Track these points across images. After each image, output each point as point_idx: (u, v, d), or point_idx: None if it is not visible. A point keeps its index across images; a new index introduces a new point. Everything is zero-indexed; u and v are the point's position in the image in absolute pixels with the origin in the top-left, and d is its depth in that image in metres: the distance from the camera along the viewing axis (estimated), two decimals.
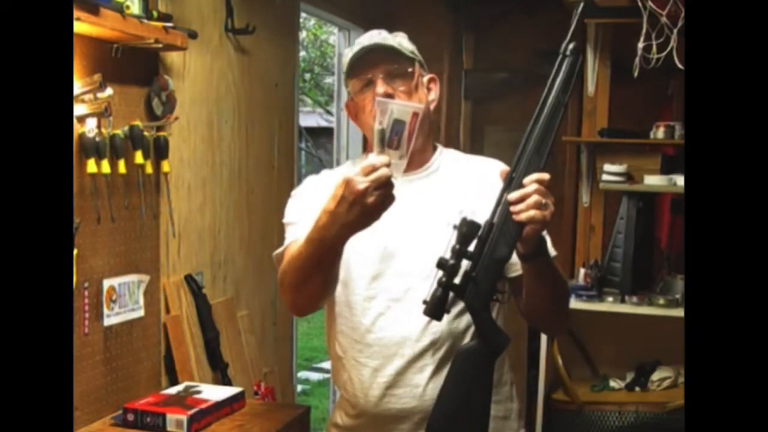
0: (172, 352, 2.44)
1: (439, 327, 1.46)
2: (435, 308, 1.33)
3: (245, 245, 2.94)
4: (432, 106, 1.59)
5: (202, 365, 2.57)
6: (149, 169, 2.25)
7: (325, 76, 9.26)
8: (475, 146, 4.09)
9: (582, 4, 1.39)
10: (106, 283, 2.16)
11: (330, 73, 8.88)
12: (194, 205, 2.62)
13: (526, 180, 1.30)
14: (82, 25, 1.88)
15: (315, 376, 6.08)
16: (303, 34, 8.14)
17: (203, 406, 2.08)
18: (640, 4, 2.84)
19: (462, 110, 4.17)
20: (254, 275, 3.00)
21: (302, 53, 8.07)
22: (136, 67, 2.25)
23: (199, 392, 2.20)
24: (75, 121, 2.01)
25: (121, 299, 2.22)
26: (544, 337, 3.17)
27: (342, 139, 4.00)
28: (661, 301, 3.17)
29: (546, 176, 1.30)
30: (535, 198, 1.28)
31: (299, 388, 4.79)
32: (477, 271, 1.33)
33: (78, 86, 1.98)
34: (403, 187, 1.36)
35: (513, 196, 1.29)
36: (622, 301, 3.24)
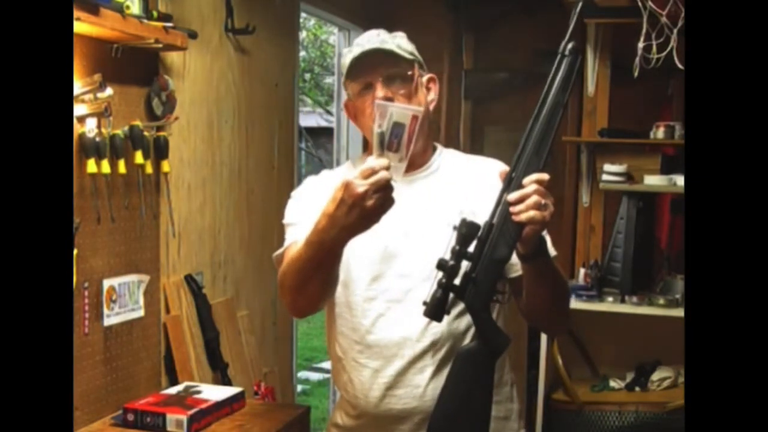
0: (172, 352, 2.44)
1: (439, 328, 1.46)
2: (435, 309, 1.33)
3: (245, 245, 2.94)
4: (431, 106, 1.59)
5: (202, 365, 2.57)
6: (149, 169, 2.25)
7: (325, 76, 9.27)
8: (475, 146, 4.09)
9: (581, 4, 1.39)
10: (106, 283, 2.16)
11: (330, 73, 8.88)
12: (194, 205, 2.63)
13: (526, 180, 1.30)
14: (82, 25, 1.88)
15: (315, 376, 6.08)
16: (303, 34, 8.14)
17: (203, 406, 2.08)
18: (640, 4, 2.84)
19: (462, 110, 4.17)
20: (254, 275, 3.00)
21: (302, 53, 8.07)
22: (136, 67, 2.25)
23: (199, 392, 2.20)
24: (75, 121, 2.01)
25: (121, 299, 2.22)
26: (544, 337, 3.17)
27: (342, 139, 4.00)
28: (661, 301, 3.17)
29: (545, 176, 1.30)
30: (534, 198, 1.28)
31: (299, 388, 4.79)
32: (477, 272, 1.33)
33: (78, 86, 1.98)
34: (403, 187, 1.36)
35: (512, 196, 1.29)
36: (622, 301, 3.24)
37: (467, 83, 4.16)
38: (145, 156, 2.21)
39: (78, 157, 2.02)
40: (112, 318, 2.18)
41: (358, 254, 1.48)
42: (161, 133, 2.31)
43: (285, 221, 1.59)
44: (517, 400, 1.62)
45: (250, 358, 2.88)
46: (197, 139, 2.63)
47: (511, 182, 1.32)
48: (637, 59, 2.84)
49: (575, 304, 3.14)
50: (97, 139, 2.04)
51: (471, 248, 1.33)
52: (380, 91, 1.47)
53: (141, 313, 2.31)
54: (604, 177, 3.36)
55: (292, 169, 3.32)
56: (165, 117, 2.33)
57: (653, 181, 3.29)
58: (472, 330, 1.41)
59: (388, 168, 1.25)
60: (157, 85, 2.31)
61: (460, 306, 1.41)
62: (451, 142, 3.86)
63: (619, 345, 3.42)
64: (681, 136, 3.26)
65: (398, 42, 1.53)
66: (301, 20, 3.94)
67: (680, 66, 2.56)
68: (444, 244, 1.34)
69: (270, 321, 3.16)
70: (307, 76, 8.93)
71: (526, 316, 1.52)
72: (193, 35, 2.42)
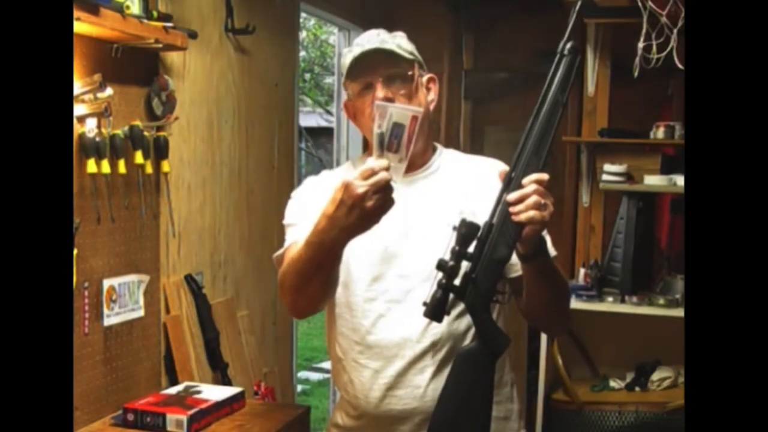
0: (172, 352, 2.44)
1: (439, 328, 1.46)
2: (435, 310, 1.33)
3: (245, 245, 2.94)
4: (431, 106, 1.59)
5: (202, 365, 2.57)
6: (149, 169, 2.25)
7: (325, 76, 9.26)
8: (475, 146, 4.09)
9: (579, 3, 1.39)
10: (106, 283, 2.16)
11: (330, 73, 8.88)
12: (194, 205, 2.63)
13: (525, 180, 1.29)
14: (82, 25, 1.88)
15: (315, 376, 6.08)
16: (303, 34, 8.14)
17: (203, 406, 2.08)
18: (640, 4, 2.84)
19: (462, 110, 4.17)
20: (254, 275, 3.00)
21: (302, 53, 8.07)
22: (136, 67, 2.25)
23: (199, 392, 2.20)
24: (75, 121, 2.01)
25: (121, 299, 2.22)
26: (544, 337, 3.17)
27: (342, 139, 4.00)
28: (661, 301, 3.17)
29: (545, 176, 1.30)
30: (534, 198, 1.27)
31: (299, 388, 4.79)
32: (477, 272, 1.33)
33: (78, 86, 1.98)
34: (403, 188, 1.36)
35: (512, 196, 1.29)
36: (622, 301, 3.24)
37: (467, 83, 4.16)
38: (145, 156, 2.21)
39: (78, 157, 2.02)
40: (112, 318, 2.18)
41: (358, 255, 1.48)
42: (161, 133, 2.31)
43: (285, 222, 1.59)
44: (517, 401, 1.62)
45: (250, 358, 2.88)
46: (197, 139, 2.63)
47: (510, 182, 1.32)
48: (637, 59, 2.84)
49: (575, 304, 3.14)
50: (97, 139, 2.04)
51: (471, 248, 1.33)
52: (380, 92, 1.46)
53: (141, 313, 2.31)
54: (604, 177, 3.36)
55: (292, 169, 3.32)
56: (165, 117, 2.33)
57: (653, 181, 3.29)
58: (473, 330, 1.41)
59: (387, 169, 1.25)
60: (157, 85, 2.31)
61: (461, 306, 1.41)
62: (451, 142, 3.86)
63: (619, 345, 3.42)
64: (681, 136, 3.26)
65: (398, 42, 1.53)
66: (301, 20, 3.94)
67: (680, 66, 2.57)
68: (444, 245, 1.34)
69: (270, 321, 3.16)
70: (307, 76, 8.92)
71: (526, 316, 1.52)
72: (193, 35, 2.42)
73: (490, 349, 1.37)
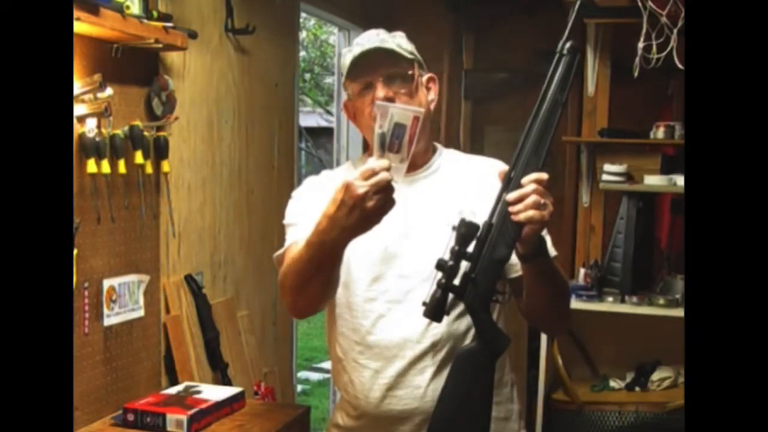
0: (172, 352, 2.44)
1: (439, 329, 1.46)
2: (434, 310, 1.33)
3: (245, 245, 2.94)
4: (431, 106, 1.59)
5: (202, 365, 2.57)
6: (149, 169, 2.25)
7: (325, 76, 9.26)
8: (475, 146, 4.09)
9: (579, 3, 1.39)
10: (106, 283, 2.16)
11: (330, 73, 8.88)
12: (194, 205, 2.63)
13: (525, 180, 1.29)
14: (82, 25, 1.88)
15: (315, 376, 6.08)
16: (303, 34, 8.14)
17: (203, 406, 2.08)
18: (640, 4, 2.84)
19: (462, 110, 4.17)
20: (254, 275, 3.00)
21: (302, 53, 8.07)
22: (136, 67, 2.25)
23: (199, 392, 2.20)
24: (75, 121, 2.01)
25: (121, 299, 2.22)
26: (544, 337, 3.17)
27: (342, 139, 4.00)
28: (661, 301, 3.17)
29: (544, 176, 1.30)
30: (533, 198, 1.27)
31: (299, 388, 4.79)
32: (476, 272, 1.33)
33: (78, 86, 1.98)
34: (403, 188, 1.36)
35: (511, 196, 1.29)
36: (622, 301, 3.24)
37: (467, 83, 4.16)
38: (145, 156, 2.21)
39: (78, 157, 2.02)
40: (112, 318, 2.18)
41: (359, 255, 1.47)
42: (161, 133, 2.31)
43: (285, 221, 1.59)
44: (518, 401, 1.62)
45: (250, 358, 2.89)
46: (197, 139, 2.63)
47: (510, 182, 1.32)
48: (637, 59, 2.84)
49: (575, 304, 3.14)
50: (97, 139, 2.04)
51: (470, 248, 1.33)
52: (380, 91, 1.46)
53: (141, 313, 2.31)
54: (604, 177, 3.36)
55: (292, 169, 3.32)
56: (165, 117, 2.33)
57: (653, 181, 3.29)
58: (473, 331, 1.41)
59: (388, 169, 1.25)
60: (157, 85, 2.31)
61: (461, 307, 1.41)
62: (451, 142, 3.86)
63: (619, 345, 3.42)
64: (681, 136, 3.26)
65: (398, 41, 1.52)
66: (301, 20, 3.94)
67: (680, 66, 2.57)
68: (444, 245, 1.34)
69: (270, 321, 3.16)
70: (307, 76, 8.92)
71: (526, 316, 1.51)
72: (193, 35, 2.42)
73: (489, 349, 1.37)
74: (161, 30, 2.16)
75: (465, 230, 1.32)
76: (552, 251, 1.43)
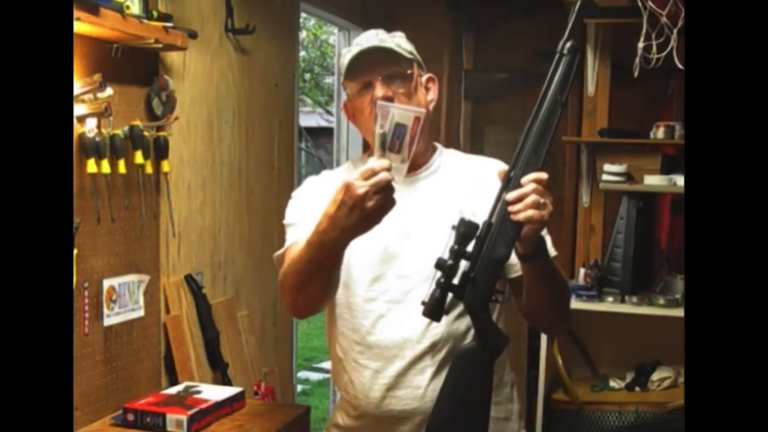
0: (172, 352, 2.44)
1: (439, 329, 1.46)
2: (433, 309, 1.33)
3: (245, 245, 2.94)
4: (431, 106, 1.59)
5: (202, 365, 2.57)
6: (149, 169, 2.25)
7: (325, 76, 9.26)
8: (475, 146, 4.09)
9: (579, 3, 1.39)
10: (106, 283, 2.16)
11: (330, 73, 8.88)
12: (194, 205, 2.63)
13: (524, 180, 1.29)
14: (82, 25, 1.88)
15: (315, 376, 6.08)
16: (303, 34, 8.14)
17: (203, 406, 2.08)
18: (640, 4, 2.84)
19: (462, 110, 4.17)
20: (254, 275, 3.00)
21: (302, 53, 8.07)
22: (136, 67, 2.25)
23: (199, 392, 2.20)
24: (75, 121, 2.01)
25: (121, 299, 2.22)
26: (544, 337, 3.17)
27: (342, 139, 4.01)
28: (661, 301, 3.17)
29: (544, 176, 1.30)
30: (533, 198, 1.27)
31: (299, 388, 4.79)
32: (475, 272, 1.33)
33: (78, 86, 1.98)
34: (403, 188, 1.36)
35: (511, 195, 1.29)
36: (622, 301, 3.24)
37: (467, 83, 4.16)
38: (145, 156, 2.21)
39: (78, 157, 2.02)
40: (112, 318, 2.18)
41: (359, 255, 1.47)
42: (161, 133, 2.31)
43: (285, 221, 1.59)
44: (518, 401, 1.62)
45: (250, 358, 2.89)
46: (197, 139, 2.63)
47: (509, 181, 1.32)
48: (637, 59, 2.84)
49: (575, 304, 3.14)
50: (97, 139, 2.04)
51: (470, 248, 1.33)
52: (379, 90, 1.46)
53: (141, 313, 2.31)
54: (604, 177, 3.36)
55: (292, 169, 3.32)
56: (165, 117, 2.33)
57: (653, 181, 3.29)
58: (472, 331, 1.41)
59: (388, 169, 1.25)
60: (157, 85, 2.31)
61: (460, 307, 1.41)
62: (451, 142, 3.86)
63: (619, 345, 3.42)
64: (681, 136, 3.26)
65: (397, 41, 1.52)
66: (301, 20, 3.94)
67: (680, 66, 2.57)
68: (444, 245, 1.34)
69: (270, 321, 3.16)
70: (307, 76, 8.92)
71: (526, 316, 1.51)
72: (193, 35, 2.42)
73: (488, 349, 1.37)
74: (161, 30, 2.16)
75: (464, 229, 1.32)
76: (552, 251, 1.43)
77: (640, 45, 2.83)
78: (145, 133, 2.22)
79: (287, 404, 3.08)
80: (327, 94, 9.15)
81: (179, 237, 2.52)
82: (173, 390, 2.23)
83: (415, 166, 1.53)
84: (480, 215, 1.33)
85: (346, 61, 1.51)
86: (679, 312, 3.01)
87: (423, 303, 1.34)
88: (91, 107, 2.00)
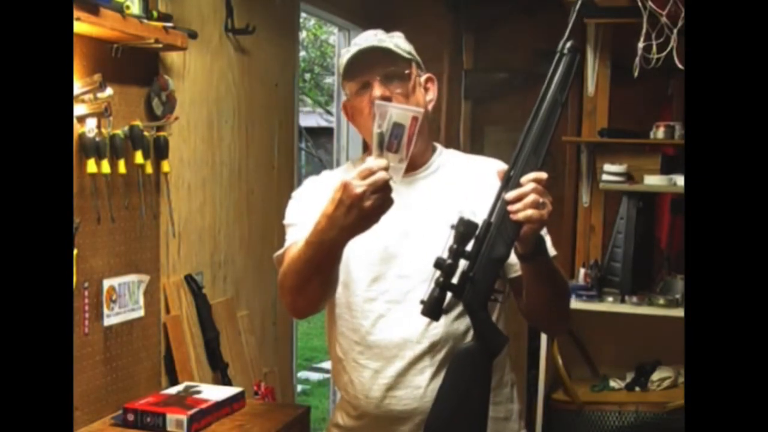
0: (172, 352, 2.44)
1: (438, 329, 1.46)
2: (432, 308, 1.33)
3: (245, 245, 2.94)
4: (430, 106, 1.59)
5: (202, 365, 2.57)
6: (149, 169, 2.25)
7: (325, 76, 9.26)
8: (475, 146, 4.09)
9: (579, 3, 1.39)
10: (106, 283, 2.16)
11: (330, 73, 8.88)
12: (194, 205, 2.63)
13: (524, 179, 1.29)
14: (82, 25, 1.88)
15: (315, 376, 6.08)
16: (303, 34, 8.14)
17: (203, 406, 2.08)
18: (640, 4, 2.84)
19: (462, 110, 4.17)
20: (254, 275, 3.00)
21: (302, 53, 8.07)
22: (136, 67, 2.25)
23: (199, 392, 2.20)
24: (75, 121, 2.01)
25: (121, 299, 2.22)
26: (544, 337, 3.17)
27: (342, 139, 4.01)
28: (661, 301, 3.17)
29: (543, 175, 1.30)
30: (532, 197, 1.27)
31: (299, 388, 4.79)
32: (475, 271, 1.33)
33: (78, 86, 1.98)
34: (402, 188, 1.36)
35: (510, 195, 1.29)
36: (622, 301, 3.24)
37: (467, 83, 4.16)
38: (145, 156, 2.21)
39: (78, 157, 2.03)
40: (112, 318, 2.18)
41: (358, 255, 1.48)
42: (161, 133, 2.31)
43: (285, 222, 1.59)
44: (518, 401, 1.62)
45: (250, 358, 2.89)
46: (197, 139, 2.63)
47: (509, 181, 1.32)
48: (637, 59, 2.84)
49: (575, 304, 3.14)
50: (97, 139, 2.04)
51: (469, 247, 1.33)
52: (378, 90, 1.46)
53: (141, 313, 2.31)
54: (604, 177, 3.36)
55: (292, 169, 3.32)
56: (165, 117, 2.33)
57: (653, 181, 3.29)
58: (472, 332, 1.41)
59: (386, 168, 1.25)
60: (157, 85, 2.32)
61: (460, 308, 1.41)
62: (451, 142, 3.86)
63: (619, 345, 3.42)
64: (681, 136, 3.26)
65: (396, 41, 1.53)
66: (301, 20, 3.94)
67: (680, 66, 2.57)
68: (444, 245, 1.34)
69: (270, 321, 3.16)
70: (307, 76, 8.92)
71: (526, 316, 1.51)
72: (193, 35, 2.42)
73: (487, 349, 1.37)
74: (161, 30, 2.16)
75: (463, 229, 1.32)
76: (552, 251, 1.43)
77: (640, 45, 2.83)
78: (145, 133, 2.22)
79: (287, 404, 3.08)
80: (327, 94, 9.15)
81: (179, 237, 2.52)
82: (173, 390, 2.23)
83: (415, 166, 1.53)
84: (480, 215, 1.33)
85: (344, 61, 1.51)
86: (679, 312, 3.01)
87: (422, 302, 1.34)
88: (91, 107, 2.00)
